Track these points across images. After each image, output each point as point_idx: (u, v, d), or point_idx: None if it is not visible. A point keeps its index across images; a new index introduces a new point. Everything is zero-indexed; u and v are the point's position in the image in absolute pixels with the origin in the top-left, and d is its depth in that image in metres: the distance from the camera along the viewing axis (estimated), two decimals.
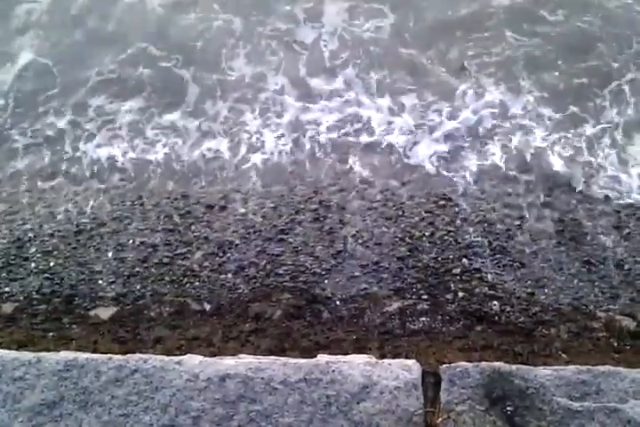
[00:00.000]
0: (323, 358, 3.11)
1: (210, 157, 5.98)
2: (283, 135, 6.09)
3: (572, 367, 2.98)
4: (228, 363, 3.05)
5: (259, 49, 6.76)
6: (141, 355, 3.15)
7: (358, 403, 2.88)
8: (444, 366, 3.08)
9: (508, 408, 2.84)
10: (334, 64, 6.59)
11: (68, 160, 6.03)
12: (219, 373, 2.98)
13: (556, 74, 6.33)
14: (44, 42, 7.10)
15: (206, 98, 6.44)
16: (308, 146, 5.97)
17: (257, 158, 5.92)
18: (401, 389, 2.91)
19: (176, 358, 3.08)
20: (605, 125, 5.89)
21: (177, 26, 6.99)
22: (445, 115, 6.11)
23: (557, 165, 5.61)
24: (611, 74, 6.29)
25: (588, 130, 5.89)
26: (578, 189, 5.41)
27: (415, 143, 5.90)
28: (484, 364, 3.02)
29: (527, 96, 6.16)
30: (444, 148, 5.84)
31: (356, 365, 3.01)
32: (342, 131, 6.09)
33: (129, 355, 3.10)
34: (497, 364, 3.03)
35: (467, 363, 3.05)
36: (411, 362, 3.06)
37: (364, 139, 5.98)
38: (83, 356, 3.07)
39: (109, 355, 3.08)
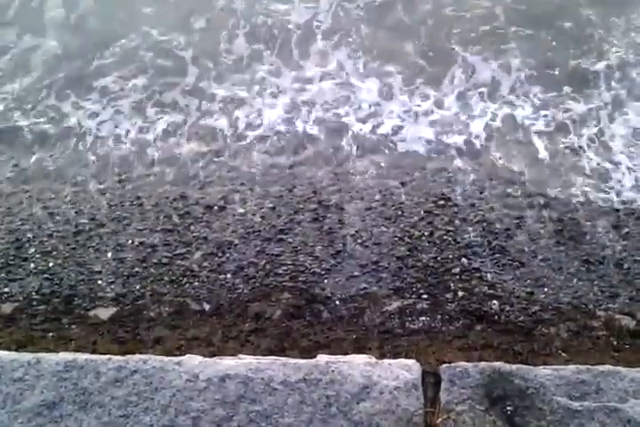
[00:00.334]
0: (322, 358, 3.11)
1: (206, 134, 6.15)
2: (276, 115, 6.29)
3: (571, 367, 2.98)
4: (227, 363, 3.05)
5: (256, 30, 7.00)
6: (141, 355, 3.15)
7: (358, 403, 2.88)
8: (444, 365, 3.08)
9: (508, 408, 2.84)
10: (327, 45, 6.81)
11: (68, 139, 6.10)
12: (218, 373, 2.98)
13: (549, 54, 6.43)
14: (47, 25, 7.27)
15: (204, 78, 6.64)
16: (300, 127, 6.14)
17: (253, 135, 6.11)
18: (401, 389, 2.91)
19: (176, 359, 3.08)
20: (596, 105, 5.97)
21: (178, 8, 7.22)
22: (434, 97, 6.26)
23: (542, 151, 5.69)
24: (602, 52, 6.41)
25: (579, 109, 5.96)
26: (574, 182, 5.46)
27: (405, 127, 5.98)
28: (483, 364, 3.03)
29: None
30: (432, 131, 5.94)
31: (356, 365, 3.01)
32: (335, 113, 6.23)
33: (128, 356, 3.10)
34: (497, 364, 3.03)
35: (466, 363, 3.05)
36: (411, 362, 3.06)
37: (355, 122, 6.11)
38: (82, 357, 3.07)
39: (109, 356, 3.08)
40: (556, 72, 6.45)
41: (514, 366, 3.00)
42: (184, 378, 2.96)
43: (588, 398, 2.83)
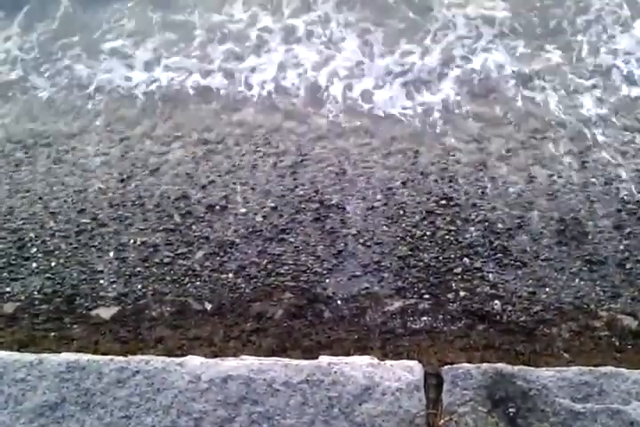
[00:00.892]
0: (324, 359, 3.10)
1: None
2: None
3: (574, 368, 2.98)
4: (229, 364, 3.05)
5: None
6: (143, 356, 3.15)
7: (360, 404, 2.87)
8: (446, 367, 3.07)
9: (511, 410, 2.84)
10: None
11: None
12: (220, 374, 2.98)
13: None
14: None
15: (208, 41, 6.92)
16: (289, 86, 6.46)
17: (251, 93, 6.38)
18: (403, 390, 2.91)
19: (178, 360, 3.08)
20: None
21: None
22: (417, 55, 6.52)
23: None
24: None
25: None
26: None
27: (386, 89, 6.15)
28: (485, 365, 3.02)
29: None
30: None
31: (358, 366, 3.01)
32: (323, 73, 6.50)
33: (130, 356, 3.10)
34: (499, 365, 3.03)
35: (469, 364, 3.05)
36: (413, 363, 3.05)
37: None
38: (84, 357, 3.07)
39: (111, 356, 3.08)
40: None
41: (516, 368, 3.00)
42: (186, 379, 2.96)
43: (590, 399, 2.83)
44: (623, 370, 2.96)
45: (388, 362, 3.04)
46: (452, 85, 6.27)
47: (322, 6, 6.98)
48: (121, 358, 3.06)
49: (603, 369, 2.96)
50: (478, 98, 6.18)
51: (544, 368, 3.00)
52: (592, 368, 2.97)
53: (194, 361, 3.07)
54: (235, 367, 3.01)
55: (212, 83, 6.55)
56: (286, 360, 3.07)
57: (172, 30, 7.04)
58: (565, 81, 6.19)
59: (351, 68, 6.50)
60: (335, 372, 2.97)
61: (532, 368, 3.01)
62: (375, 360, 3.11)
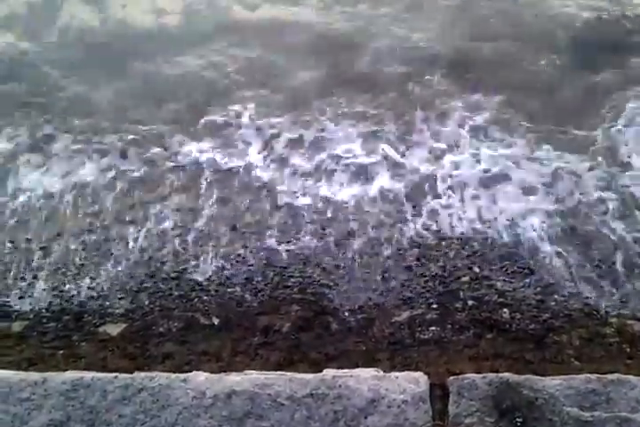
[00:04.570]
0: (329, 372, 3.09)
1: None
2: None
3: (581, 376, 2.94)
4: (233, 379, 3.03)
5: None
6: (147, 373, 3.14)
7: (366, 417, 2.85)
8: (452, 377, 3.05)
9: (518, 420, 2.81)
10: None
11: None
12: (225, 389, 2.96)
13: None
14: None
15: None
16: None
17: None
18: (408, 402, 2.89)
19: (182, 376, 3.07)
20: None
21: None
22: None
23: None
24: None
25: None
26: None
27: None
28: (491, 375, 2.99)
29: None
30: None
31: (363, 379, 2.99)
32: None
33: (135, 373, 3.09)
34: (505, 374, 3.00)
35: (475, 374, 3.02)
36: (418, 375, 3.03)
37: None
38: (89, 375, 3.07)
39: (115, 373, 3.07)
40: None
41: (522, 377, 2.97)
42: (190, 395, 2.95)
43: (598, 408, 2.80)
44: (631, 377, 2.92)
45: (393, 374, 3.02)
46: None
47: None
48: (125, 375, 3.05)
49: (610, 376, 2.93)
50: None
51: (550, 377, 2.97)
52: (599, 376, 2.93)
53: (198, 377, 3.06)
54: (239, 382, 3.00)
55: None
56: (290, 374, 3.05)
57: None
58: None
59: None
60: (340, 385, 2.95)
61: (539, 377, 2.97)
62: (380, 372, 3.09)
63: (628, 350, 4.36)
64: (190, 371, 4.23)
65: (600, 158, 5.79)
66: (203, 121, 6.60)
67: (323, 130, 6.36)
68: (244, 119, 6.59)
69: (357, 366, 4.26)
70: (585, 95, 6.57)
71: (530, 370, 4.19)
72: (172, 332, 4.74)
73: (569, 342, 4.44)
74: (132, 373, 4.09)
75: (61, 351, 4.64)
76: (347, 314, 4.77)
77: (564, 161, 5.79)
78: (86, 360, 4.53)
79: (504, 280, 4.85)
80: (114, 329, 4.80)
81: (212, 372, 4.23)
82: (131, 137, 6.42)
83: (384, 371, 4.16)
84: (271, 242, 5.31)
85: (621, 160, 5.79)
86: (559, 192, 5.52)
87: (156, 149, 6.27)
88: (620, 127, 6.06)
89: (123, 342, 4.69)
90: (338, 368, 4.23)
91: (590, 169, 5.67)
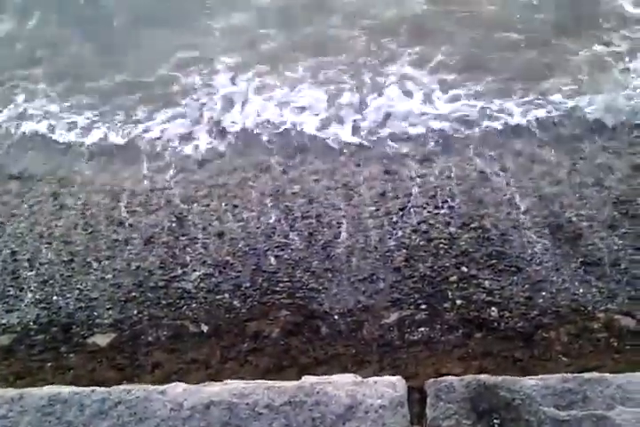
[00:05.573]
0: (307, 379, 3.08)
1: None
2: None
3: (557, 376, 2.94)
4: (211, 390, 3.02)
5: None
6: (125, 386, 3.12)
7: (344, 424, 2.84)
8: (430, 381, 3.04)
9: (495, 421, 2.80)
10: None
11: None
12: (203, 400, 2.95)
13: None
14: None
15: None
16: None
17: None
18: (386, 407, 2.88)
19: (160, 388, 3.06)
20: None
21: None
22: None
23: None
24: None
25: None
26: None
27: None
28: (469, 377, 2.99)
29: None
30: None
31: (341, 385, 2.97)
32: None
33: (113, 387, 3.08)
34: (482, 376, 2.99)
35: (452, 377, 3.01)
36: (396, 379, 3.02)
37: None
38: (66, 390, 3.05)
39: (92, 387, 3.05)
40: None
41: (499, 378, 2.96)
42: (168, 407, 2.93)
43: (574, 406, 2.79)
44: (607, 375, 2.92)
45: (371, 379, 3.01)
46: None
47: None
48: (102, 388, 3.04)
49: (586, 375, 2.92)
50: None
51: (527, 377, 2.96)
52: (576, 375, 2.93)
53: (176, 388, 3.05)
54: (217, 393, 2.98)
55: None
56: (269, 383, 3.04)
57: None
58: None
59: None
60: (318, 392, 2.94)
61: (516, 377, 2.96)
62: (358, 378, 3.08)
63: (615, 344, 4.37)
64: (180, 380, 4.29)
65: None
66: None
67: None
68: None
69: (347, 370, 4.32)
70: None
71: (518, 368, 4.25)
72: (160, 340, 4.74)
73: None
74: (120, 383, 4.13)
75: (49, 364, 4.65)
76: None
77: None
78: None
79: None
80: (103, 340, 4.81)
81: (201, 380, 4.28)
82: None
83: (375, 373, 4.21)
84: None
85: None
86: None
87: None
88: None
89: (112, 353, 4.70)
90: (327, 373, 4.27)
91: None
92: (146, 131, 6.66)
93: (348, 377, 3.07)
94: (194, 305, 4.96)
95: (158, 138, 6.54)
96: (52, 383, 3.78)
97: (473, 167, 5.78)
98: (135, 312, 4.95)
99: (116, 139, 6.60)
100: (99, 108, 6.94)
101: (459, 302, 4.74)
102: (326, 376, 3.11)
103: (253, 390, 2.96)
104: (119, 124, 6.73)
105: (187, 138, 6.53)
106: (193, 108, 6.81)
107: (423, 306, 4.77)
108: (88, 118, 6.83)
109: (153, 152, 6.41)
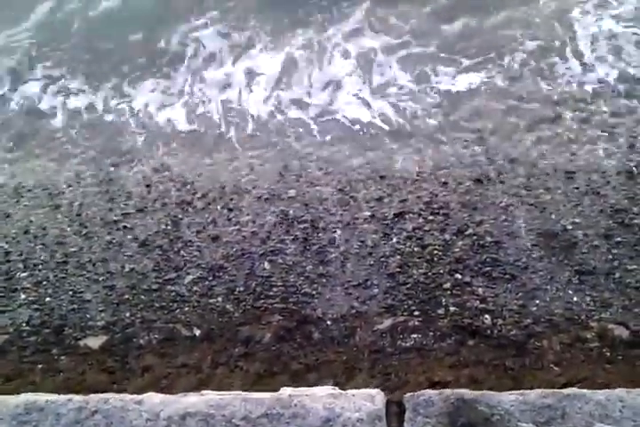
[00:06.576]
0: (286, 391, 3.06)
1: None
2: None
3: (537, 391, 2.92)
4: (188, 400, 3.01)
5: None
6: (102, 395, 3.12)
7: None
8: (408, 394, 3.02)
9: None
10: None
11: None
12: (179, 411, 2.94)
13: None
14: None
15: None
16: None
17: None
18: (364, 420, 2.86)
19: (137, 397, 3.05)
20: None
21: None
22: None
23: None
24: None
25: None
26: None
27: None
28: (448, 391, 2.97)
29: None
30: None
31: (319, 397, 2.96)
32: None
33: (90, 395, 3.08)
34: (461, 391, 2.97)
35: (431, 391, 2.99)
36: (374, 392, 3.00)
37: None
38: (42, 398, 3.05)
39: (69, 396, 3.05)
40: None
41: (478, 393, 2.94)
42: (144, 417, 2.93)
43: (553, 423, 2.76)
44: (585, 391, 2.89)
45: (350, 392, 2.99)
46: None
47: None
48: (79, 397, 3.03)
49: (565, 391, 2.89)
50: None
51: (507, 392, 2.94)
52: (555, 390, 2.90)
53: (153, 399, 3.04)
54: (194, 404, 2.97)
55: None
56: (246, 394, 3.03)
57: None
58: None
59: None
60: (295, 404, 2.92)
61: (494, 393, 2.94)
62: (336, 390, 3.06)
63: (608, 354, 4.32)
64: (169, 384, 4.30)
65: None
66: None
67: None
68: None
69: (336, 377, 4.30)
70: None
71: (509, 377, 4.21)
72: (152, 344, 4.74)
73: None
74: (111, 385, 4.14)
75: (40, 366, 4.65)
76: None
77: None
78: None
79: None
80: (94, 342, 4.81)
81: (191, 384, 4.29)
82: None
83: (365, 381, 4.19)
84: None
85: None
86: None
87: None
88: None
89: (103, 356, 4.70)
90: (317, 379, 4.26)
91: None
92: None
93: (327, 389, 3.05)
94: (186, 309, 4.94)
95: None
96: (41, 386, 3.79)
97: None
98: (128, 315, 4.94)
99: None
100: None
101: (452, 308, 4.70)
102: (305, 388, 3.09)
103: (230, 401, 2.95)
104: None
105: None
106: None
107: (416, 313, 4.72)
108: None
109: None
